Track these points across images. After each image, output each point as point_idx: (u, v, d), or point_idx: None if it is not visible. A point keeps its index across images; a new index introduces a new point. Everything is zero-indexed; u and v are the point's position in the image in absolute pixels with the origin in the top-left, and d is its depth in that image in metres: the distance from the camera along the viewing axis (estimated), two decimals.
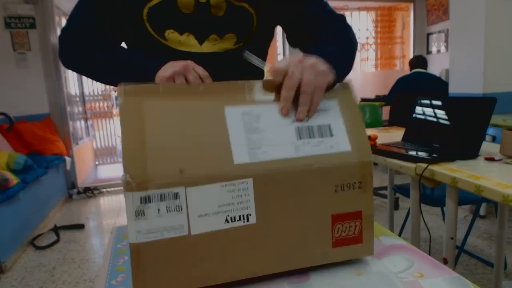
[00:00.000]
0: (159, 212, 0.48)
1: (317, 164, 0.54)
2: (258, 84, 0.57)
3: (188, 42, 0.80)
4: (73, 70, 0.84)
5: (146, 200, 0.48)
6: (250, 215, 0.52)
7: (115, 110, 5.21)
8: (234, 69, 0.81)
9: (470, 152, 1.28)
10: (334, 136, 0.56)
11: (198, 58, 0.75)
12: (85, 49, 0.78)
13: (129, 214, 0.47)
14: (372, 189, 0.57)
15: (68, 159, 3.56)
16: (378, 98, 4.16)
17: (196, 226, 0.49)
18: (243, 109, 0.54)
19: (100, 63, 0.76)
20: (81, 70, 0.82)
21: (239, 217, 0.51)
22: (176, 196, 0.48)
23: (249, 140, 0.52)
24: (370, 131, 1.95)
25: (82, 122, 4.61)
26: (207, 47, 0.81)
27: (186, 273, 0.50)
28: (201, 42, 0.81)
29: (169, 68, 0.64)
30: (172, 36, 0.80)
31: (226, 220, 0.51)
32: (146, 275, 0.48)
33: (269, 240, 0.53)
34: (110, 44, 0.78)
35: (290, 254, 0.55)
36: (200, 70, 0.65)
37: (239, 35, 0.83)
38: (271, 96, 0.57)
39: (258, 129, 0.53)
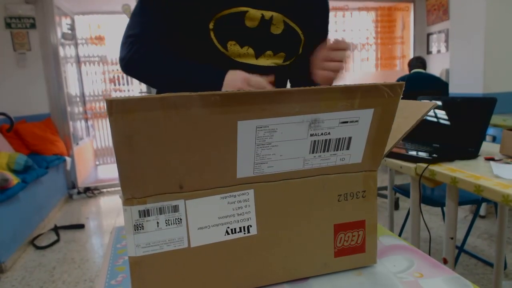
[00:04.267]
0: (158, 226, 0.48)
1: (320, 174, 0.53)
2: (280, 94, 0.48)
3: (247, 55, 0.87)
4: (135, 77, 0.89)
5: (145, 214, 0.47)
6: (251, 226, 0.51)
7: None
8: (282, 82, 0.95)
9: (470, 152, 1.28)
10: (350, 149, 0.53)
11: (252, 70, 0.85)
12: (157, 62, 0.83)
13: (128, 228, 0.47)
14: (376, 198, 0.57)
15: (68, 159, 3.56)
16: None
17: (196, 238, 0.49)
18: (258, 122, 0.46)
19: (170, 78, 0.83)
20: (147, 79, 0.90)
21: (240, 228, 0.51)
22: (175, 209, 0.48)
23: (257, 155, 0.49)
24: None
25: (83, 122, 4.62)
26: (262, 61, 0.89)
27: (187, 286, 0.50)
28: (257, 56, 0.88)
29: (231, 85, 0.75)
30: (233, 48, 0.86)
31: (227, 232, 0.50)
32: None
33: (270, 251, 0.53)
34: (179, 59, 0.83)
35: (291, 265, 0.54)
36: (259, 83, 0.74)
37: (288, 55, 0.92)
38: (294, 107, 0.48)
39: (270, 144, 0.49)
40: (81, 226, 2.87)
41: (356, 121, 0.50)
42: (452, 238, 1.28)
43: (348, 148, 0.52)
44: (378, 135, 0.53)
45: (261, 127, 0.47)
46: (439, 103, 1.50)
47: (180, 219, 0.48)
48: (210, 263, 0.50)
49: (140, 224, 0.47)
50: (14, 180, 2.35)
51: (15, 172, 2.51)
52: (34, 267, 2.25)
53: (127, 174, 0.45)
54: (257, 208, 0.51)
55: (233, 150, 0.48)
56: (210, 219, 0.49)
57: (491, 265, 1.93)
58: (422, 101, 0.67)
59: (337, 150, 0.52)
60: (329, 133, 0.50)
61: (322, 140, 0.51)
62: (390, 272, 0.57)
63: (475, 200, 1.81)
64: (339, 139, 0.51)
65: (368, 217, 0.57)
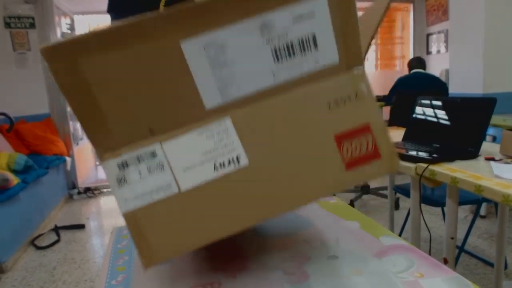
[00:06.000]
0: (141, 175, 0.46)
1: (299, 85, 0.48)
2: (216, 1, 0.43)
3: None
4: None
5: (123, 165, 0.45)
6: (239, 156, 0.47)
7: None
8: None
9: (470, 152, 1.28)
10: (319, 47, 0.47)
11: None
12: None
13: (112, 184, 0.45)
14: (372, 96, 0.51)
15: (68, 159, 3.56)
16: (378, 99, 4.16)
17: (184, 181, 0.46)
18: (203, 39, 0.43)
19: None
20: None
21: (228, 161, 0.47)
22: (153, 154, 0.46)
23: (217, 77, 0.45)
24: None
25: None
26: None
27: (190, 231, 0.47)
28: None
29: None
30: None
31: (215, 167, 0.47)
32: (149, 242, 0.46)
33: (270, 179, 0.48)
34: None
35: (297, 190, 0.49)
36: None
37: None
38: (238, 12, 0.44)
39: (226, 62, 0.44)
40: (81, 226, 2.87)
41: (312, 14, 0.45)
42: (452, 238, 1.28)
43: (316, 46, 0.47)
44: (346, 26, 0.47)
45: (209, 45, 0.43)
46: (439, 103, 1.50)
47: (162, 164, 0.46)
48: (209, 203, 0.47)
49: (122, 177, 0.45)
50: (14, 180, 2.35)
51: (15, 172, 2.51)
52: (34, 267, 2.25)
53: (90, 127, 0.44)
54: (241, 137, 0.47)
55: (189, 78, 0.44)
56: (194, 158, 0.46)
57: (491, 265, 1.93)
58: None
59: (304, 51, 0.47)
60: (286, 34, 0.45)
61: (283, 44, 0.46)
62: (390, 272, 0.57)
63: (476, 200, 1.81)
64: (301, 38, 0.46)
65: (371, 118, 0.50)
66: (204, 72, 0.44)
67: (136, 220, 0.46)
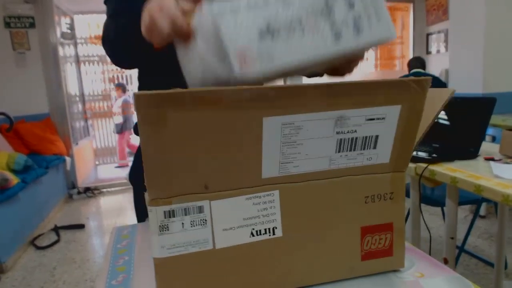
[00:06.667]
0: (183, 227, 0.47)
1: (347, 175, 0.52)
2: (307, 89, 0.46)
3: None
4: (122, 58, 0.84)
5: (170, 214, 0.47)
6: (276, 228, 0.50)
7: (115, 110, 5.21)
8: None
9: (470, 152, 1.28)
10: (377, 148, 0.51)
11: None
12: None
13: (153, 229, 0.47)
14: (404, 201, 0.56)
15: (68, 159, 3.56)
16: None
17: (221, 240, 0.48)
18: (284, 119, 0.45)
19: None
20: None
21: (265, 230, 0.50)
22: (200, 210, 0.47)
23: (282, 154, 0.48)
24: None
25: (82, 122, 4.61)
26: None
27: (214, 287, 0.50)
28: None
29: (148, 15, 0.51)
30: None
31: (252, 233, 0.49)
32: None
33: (295, 254, 0.52)
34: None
35: (317, 268, 0.53)
36: (169, 10, 0.49)
37: None
38: (321, 104, 0.46)
39: (295, 143, 0.47)
40: (81, 226, 2.87)
41: (383, 118, 0.49)
42: (452, 238, 1.28)
43: (375, 147, 0.51)
44: (405, 134, 0.51)
45: (286, 124, 0.46)
46: None
47: (205, 220, 0.48)
48: (235, 265, 0.50)
49: (165, 225, 0.47)
50: (14, 180, 2.35)
51: (15, 172, 2.51)
52: (34, 267, 2.25)
53: (154, 173, 0.45)
54: (283, 209, 0.50)
55: (258, 149, 0.46)
56: (235, 220, 0.49)
57: (491, 265, 1.93)
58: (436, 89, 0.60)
59: (364, 149, 0.50)
60: (355, 131, 0.48)
61: (349, 139, 0.49)
62: (390, 272, 0.57)
63: (475, 200, 1.82)
64: (366, 137, 0.50)
65: (396, 220, 0.55)
66: (273, 147, 0.47)
67: (165, 268, 0.48)
